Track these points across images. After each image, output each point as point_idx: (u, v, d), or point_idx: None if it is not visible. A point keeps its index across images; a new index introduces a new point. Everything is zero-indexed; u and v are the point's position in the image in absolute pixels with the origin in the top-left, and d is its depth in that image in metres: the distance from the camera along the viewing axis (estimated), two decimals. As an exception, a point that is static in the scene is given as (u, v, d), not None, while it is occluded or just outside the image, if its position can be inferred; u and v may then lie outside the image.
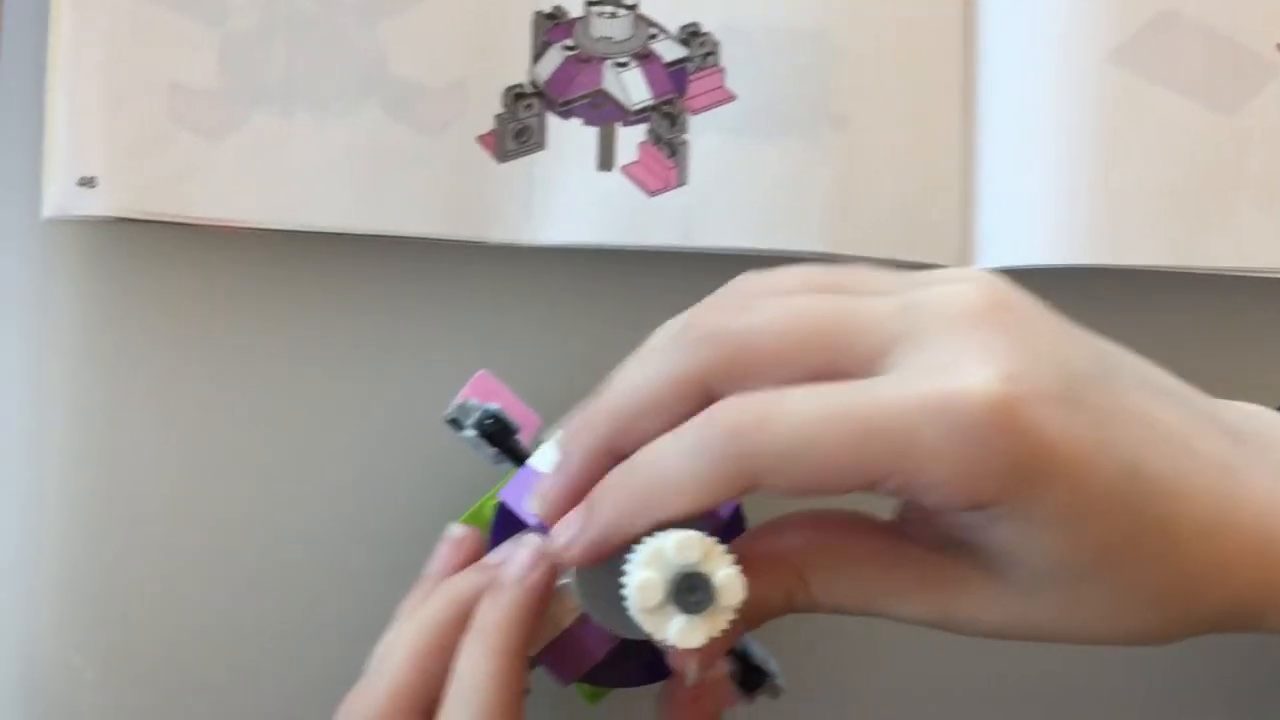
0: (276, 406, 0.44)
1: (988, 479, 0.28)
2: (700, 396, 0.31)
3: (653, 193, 0.44)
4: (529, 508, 0.36)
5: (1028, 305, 0.31)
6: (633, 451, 0.31)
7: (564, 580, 0.35)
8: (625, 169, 0.44)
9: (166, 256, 0.43)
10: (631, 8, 0.44)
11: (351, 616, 0.43)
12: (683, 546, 0.31)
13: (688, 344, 0.31)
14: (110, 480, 0.43)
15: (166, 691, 0.43)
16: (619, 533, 0.31)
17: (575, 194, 0.43)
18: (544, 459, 0.36)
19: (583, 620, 0.36)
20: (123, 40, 0.42)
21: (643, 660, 0.37)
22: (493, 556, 0.36)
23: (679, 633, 0.30)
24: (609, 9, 0.44)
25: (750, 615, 0.31)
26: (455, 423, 0.38)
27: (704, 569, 0.31)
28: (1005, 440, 0.28)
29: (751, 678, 0.37)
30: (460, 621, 0.35)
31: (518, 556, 0.35)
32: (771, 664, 0.38)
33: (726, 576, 0.31)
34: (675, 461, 0.30)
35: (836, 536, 0.33)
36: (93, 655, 0.42)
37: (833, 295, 0.31)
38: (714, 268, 0.44)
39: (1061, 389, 0.29)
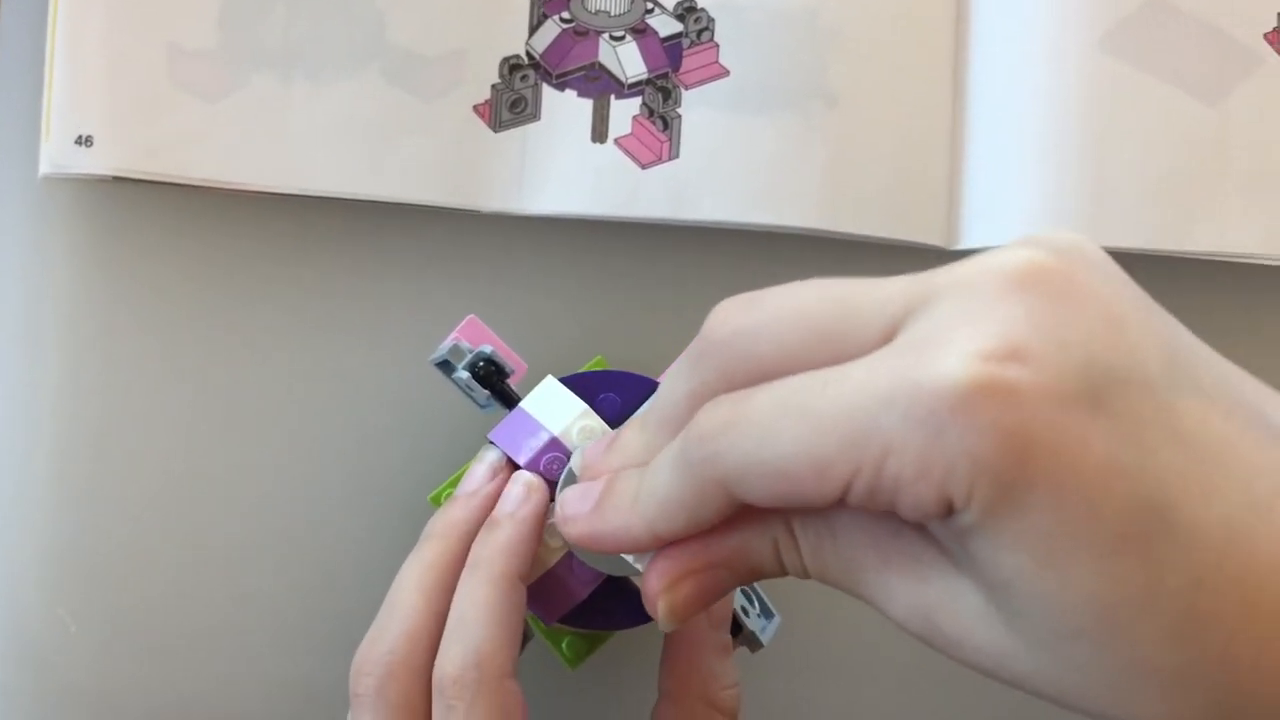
0: (269, 367, 0.44)
1: (952, 479, 0.23)
2: (720, 490, 0.28)
3: (645, 165, 0.44)
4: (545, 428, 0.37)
5: (1102, 282, 0.25)
6: None
7: (549, 520, 0.36)
8: (618, 141, 0.44)
9: (162, 217, 0.44)
10: (629, -18, 0.45)
11: (341, 574, 0.44)
12: None
13: (694, 355, 0.29)
14: (101, 437, 0.43)
15: (151, 646, 0.43)
16: (622, 542, 0.30)
17: (568, 165, 0.44)
18: (538, 402, 0.37)
19: (567, 561, 0.37)
20: (122, 1, 0.42)
21: (626, 603, 0.37)
22: (467, 485, 0.37)
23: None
24: (606, -18, 0.45)
25: (738, 566, 0.30)
26: (446, 365, 0.38)
27: None
28: (973, 433, 0.23)
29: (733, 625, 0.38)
30: (461, 555, 0.36)
31: (511, 491, 0.36)
32: (754, 619, 0.38)
33: None
34: (663, 475, 0.28)
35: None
36: (78, 610, 0.43)
37: (846, 280, 0.27)
38: (703, 240, 0.45)
39: (1079, 382, 0.23)
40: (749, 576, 0.30)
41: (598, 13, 0.45)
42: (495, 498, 0.36)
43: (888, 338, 0.25)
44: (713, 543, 0.29)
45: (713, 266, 0.45)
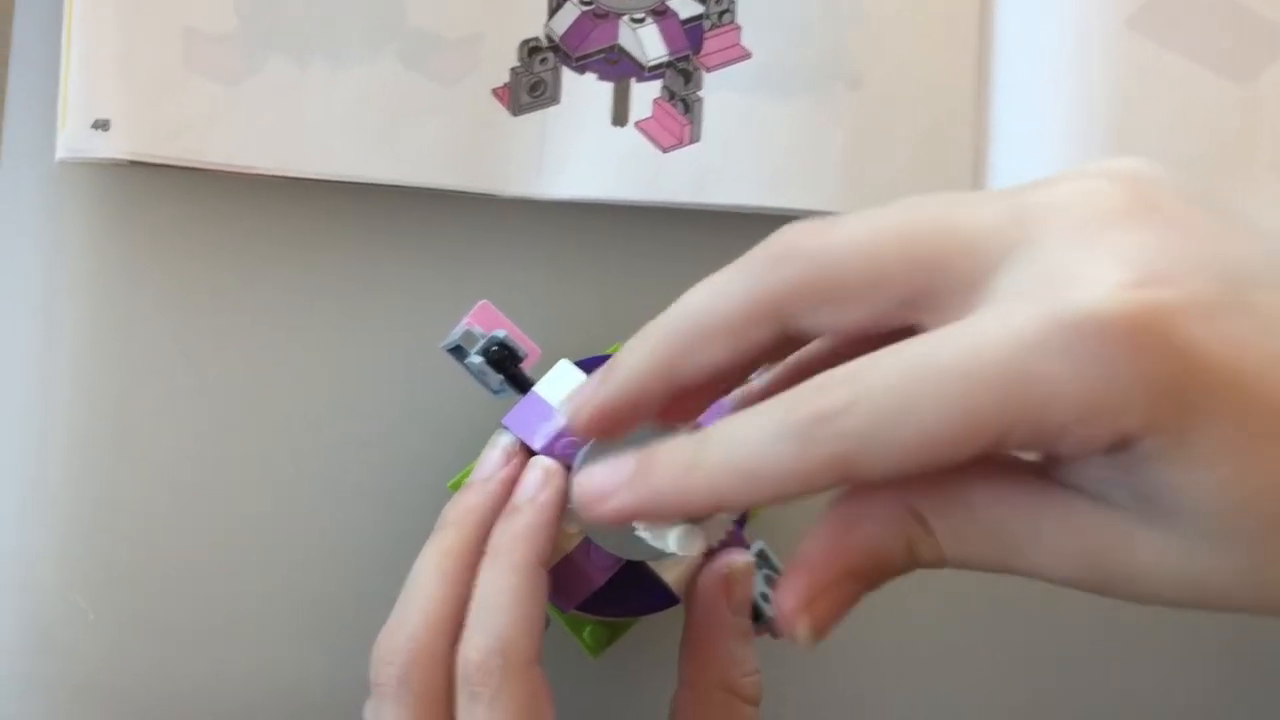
0: (286, 353, 0.44)
1: (1129, 410, 0.23)
2: (774, 323, 0.27)
3: (666, 149, 0.43)
4: (558, 409, 0.36)
5: (1181, 200, 0.25)
6: (692, 377, 0.28)
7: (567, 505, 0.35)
8: (639, 125, 0.44)
9: (179, 201, 0.43)
10: (649, -36, 0.44)
11: (361, 563, 0.43)
12: None
13: (764, 261, 0.27)
14: (117, 421, 0.43)
15: (169, 635, 0.43)
16: (672, 507, 0.27)
17: (588, 148, 0.43)
18: (551, 386, 0.36)
19: (585, 547, 0.36)
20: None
21: (644, 589, 0.37)
22: (481, 470, 0.37)
23: (678, 540, 0.31)
24: (626, -35, 0.44)
25: (872, 573, 0.27)
26: (458, 350, 0.38)
27: None
28: (1144, 359, 0.23)
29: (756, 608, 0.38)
30: (479, 541, 0.35)
31: (529, 477, 0.35)
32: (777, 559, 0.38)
33: None
34: (759, 448, 0.26)
35: (966, 473, 0.26)
36: (95, 596, 0.42)
37: (933, 203, 0.26)
38: (725, 225, 0.44)
39: (1221, 291, 0.23)
40: (882, 580, 0.28)
41: (618, -6, 0.44)
42: (510, 483, 0.36)
43: (992, 268, 0.25)
44: (842, 552, 0.27)
45: (734, 251, 0.44)
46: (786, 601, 0.27)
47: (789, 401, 0.25)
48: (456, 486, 0.39)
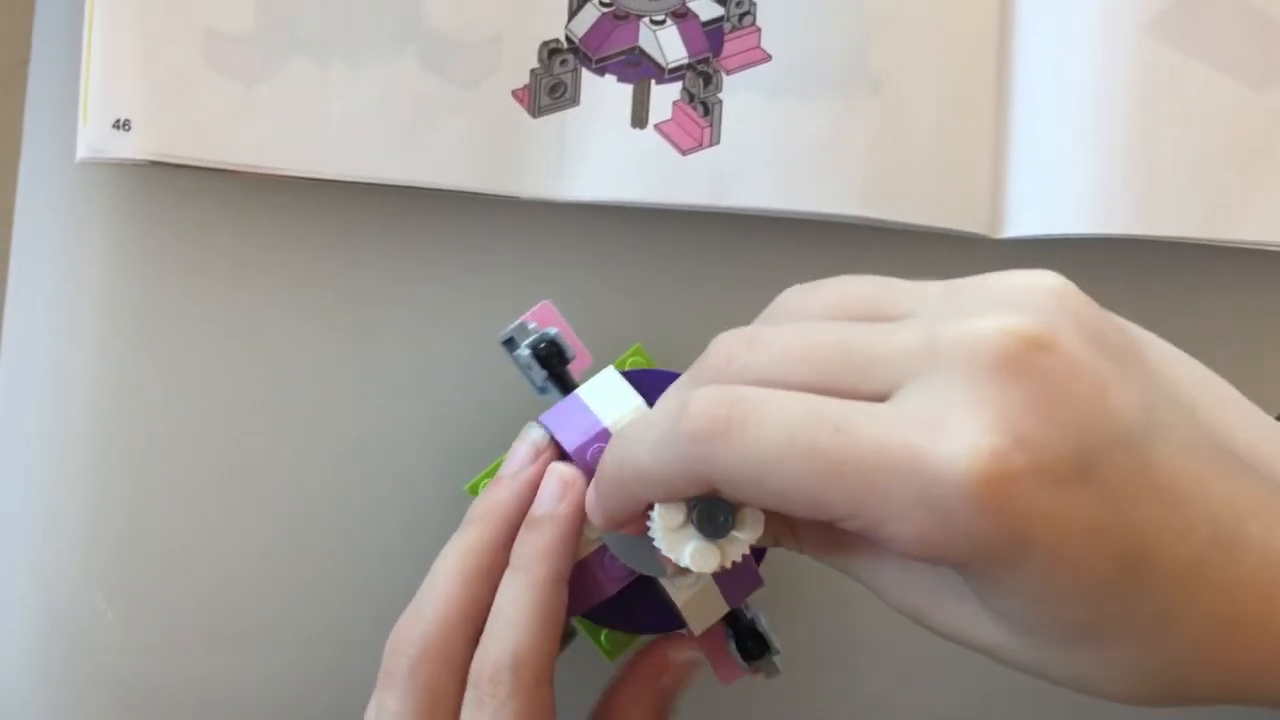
0: (307, 354, 0.44)
1: (952, 551, 0.26)
2: (703, 482, 0.30)
3: (685, 151, 0.43)
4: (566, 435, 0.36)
5: (1079, 345, 0.27)
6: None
7: None
8: (658, 127, 0.44)
9: (200, 201, 0.43)
10: (669, -34, 0.44)
11: (384, 564, 0.43)
12: None
13: (682, 439, 0.29)
14: (137, 422, 0.43)
15: (188, 634, 0.43)
16: (618, 513, 0.33)
17: (608, 150, 0.43)
18: (594, 391, 0.37)
19: (599, 554, 0.36)
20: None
21: (653, 607, 0.37)
22: (509, 465, 0.37)
23: (694, 554, 0.31)
24: (646, -34, 0.44)
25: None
26: (510, 342, 0.38)
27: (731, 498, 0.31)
28: (978, 520, 0.26)
29: (753, 646, 0.38)
30: (503, 540, 0.36)
31: (547, 487, 0.36)
32: (775, 640, 0.38)
33: (751, 509, 0.31)
34: (647, 454, 0.30)
35: None
36: (115, 596, 0.43)
37: (853, 326, 0.29)
38: (745, 227, 0.44)
39: (1068, 461, 0.26)
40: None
41: (638, -4, 0.44)
42: (538, 480, 0.36)
43: (896, 386, 0.27)
44: None
45: (754, 254, 0.45)
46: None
47: (677, 412, 0.29)
48: (475, 489, 0.39)
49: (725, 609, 0.37)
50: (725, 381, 0.29)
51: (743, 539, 0.31)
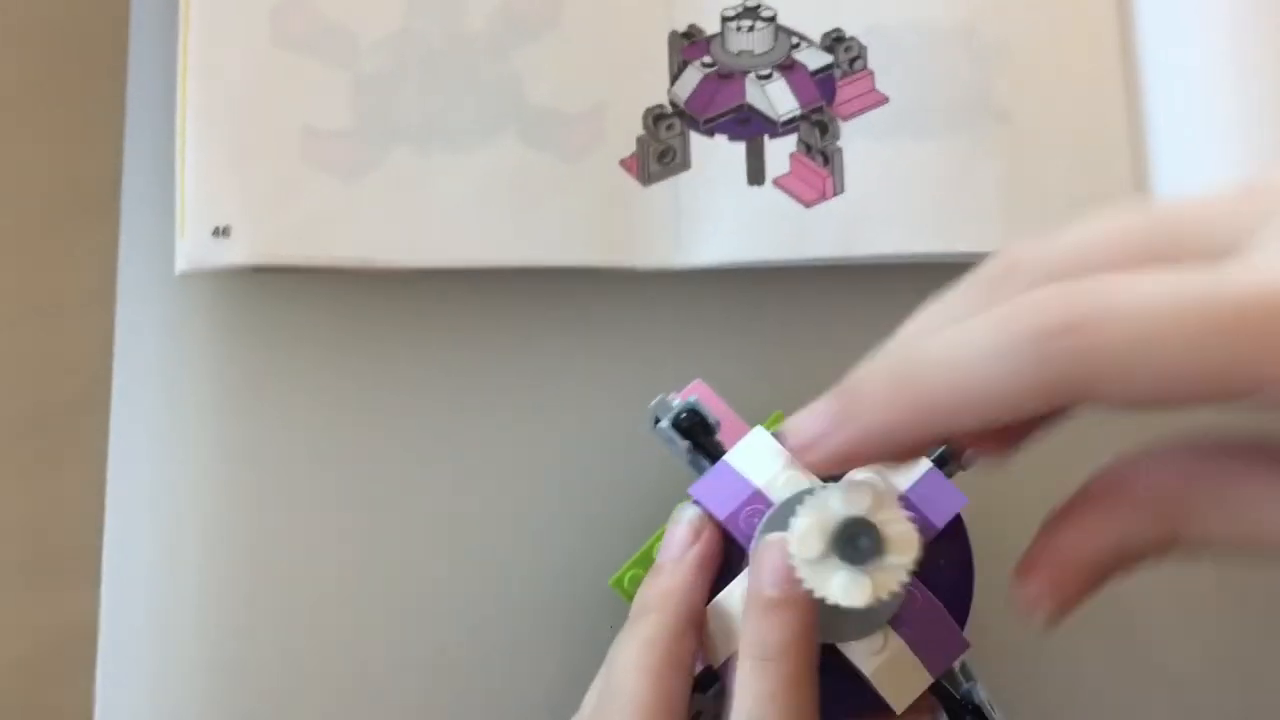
0: (423, 452, 0.41)
1: None
2: (1062, 384, 0.23)
3: (809, 204, 0.41)
4: (749, 474, 0.33)
5: None
6: (940, 438, 0.25)
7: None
8: (777, 181, 0.41)
9: (303, 303, 0.41)
10: (770, 19, 0.42)
11: (514, 680, 0.40)
12: (851, 494, 0.28)
13: (985, 283, 0.24)
14: (252, 548, 0.40)
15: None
16: (886, 440, 0.25)
17: (726, 211, 0.41)
18: (743, 455, 0.33)
19: None
20: (250, 87, 0.41)
21: (844, 687, 0.33)
22: (669, 550, 0.33)
23: (841, 588, 0.27)
24: (747, 22, 0.42)
25: (1119, 563, 0.25)
26: (656, 419, 0.35)
27: (874, 518, 0.28)
28: None
29: None
30: (684, 628, 0.31)
31: (776, 567, 0.30)
32: (998, 716, 0.34)
33: (899, 528, 0.27)
34: (979, 363, 0.23)
35: (1226, 464, 0.24)
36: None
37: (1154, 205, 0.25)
38: (871, 278, 0.41)
39: None
40: (1132, 566, 0.26)
41: (740, 53, 0.42)
42: (709, 558, 0.33)
43: (1230, 251, 0.22)
44: (1097, 540, 0.25)
45: (888, 303, 0.42)
46: (1029, 587, 0.26)
47: (1016, 311, 0.23)
48: (620, 583, 0.36)
49: (927, 679, 0.33)
50: (1014, 291, 0.23)
51: (897, 564, 0.27)
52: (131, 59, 0.43)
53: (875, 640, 0.32)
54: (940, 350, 0.24)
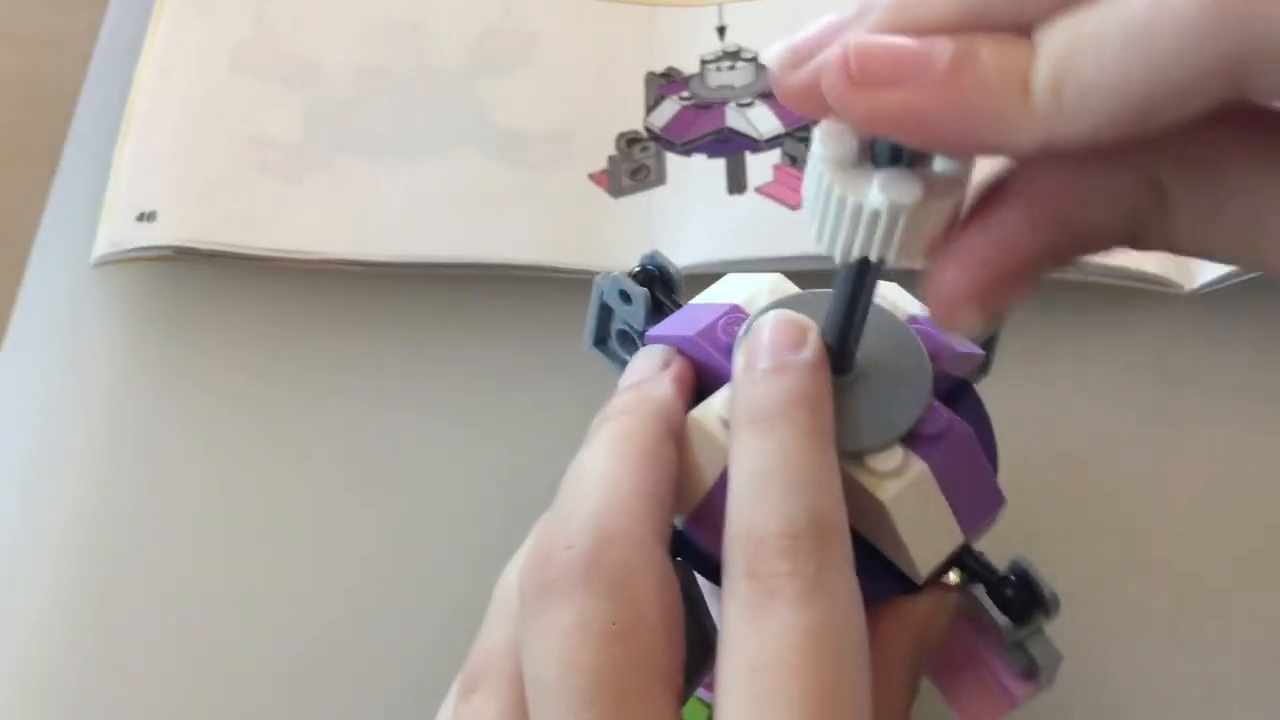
0: (343, 449, 0.35)
1: None
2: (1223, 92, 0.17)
3: (796, 207, 0.37)
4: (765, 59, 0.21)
5: None
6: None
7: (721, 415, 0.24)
8: (760, 190, 0.38)
9: (225, 297, 0.37)
10: (752, 59, 0.41)
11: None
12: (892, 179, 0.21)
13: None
14: (164, 540, 0.33)
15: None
16: (989, 124, 0.18)
17: (705, 218, 0.37)
18: (708, 294, 0.27)
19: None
20: (202, 104, 0.39)
21: (873, 573, 0.23)
22: (628, 378, 0.26)
23: (888, 181, 0.19)
24: (727, 63, 0.41)
25: (1079, 231, 0.20)
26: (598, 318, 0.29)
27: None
28: None
29: (1017, 599, 0.24)
30: (663, 432, 0.24)
31: (776, 336, 0.24)
32: (1048, 590, 0.25)
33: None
34: (1163, 44, 0.16)
35: (1227, 141, 0.19)
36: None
37: None
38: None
39: None
40: (1089, 246, 0.20)
41: (721, 88, 0.40)
42: (683, 382, 0.25)
43: None
44: (1047, 223, 0.20)
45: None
46: (953, 285, 0.20)
47: None
48: None
49: (957, 535, 0.24)
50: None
51: (950, 173, 0.20)
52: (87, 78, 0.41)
53: (893, 455, 0.24)
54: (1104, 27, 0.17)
